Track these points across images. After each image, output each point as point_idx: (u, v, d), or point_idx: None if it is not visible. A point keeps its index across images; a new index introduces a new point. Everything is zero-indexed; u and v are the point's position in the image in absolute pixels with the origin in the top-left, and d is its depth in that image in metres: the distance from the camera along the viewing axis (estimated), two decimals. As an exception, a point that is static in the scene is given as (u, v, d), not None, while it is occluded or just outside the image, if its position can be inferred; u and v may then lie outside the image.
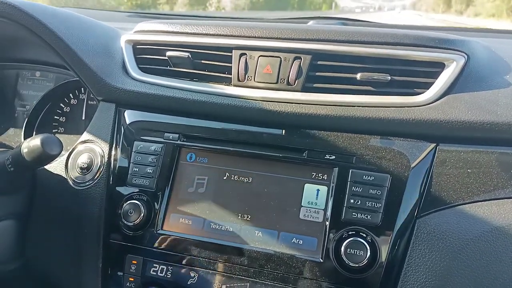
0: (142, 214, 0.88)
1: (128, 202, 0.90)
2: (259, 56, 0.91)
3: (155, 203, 0.90)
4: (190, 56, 0.94)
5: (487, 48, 0.94)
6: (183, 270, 0.87)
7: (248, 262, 0.84)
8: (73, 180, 0.97)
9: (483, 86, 0.84)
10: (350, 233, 0.80)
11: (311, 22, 1.46)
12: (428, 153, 0.82)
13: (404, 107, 0.83)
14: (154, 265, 0.89)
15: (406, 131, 0.83)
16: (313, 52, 0.88)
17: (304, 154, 0.86)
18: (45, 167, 0.99)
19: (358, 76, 0.85)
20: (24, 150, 0.82)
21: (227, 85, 0.92)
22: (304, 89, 0.88)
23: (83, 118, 1.21)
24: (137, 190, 0.92)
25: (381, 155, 0.83)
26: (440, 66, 0.85)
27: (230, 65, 0.92)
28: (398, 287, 0.78)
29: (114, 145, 0.97)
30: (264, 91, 0.89)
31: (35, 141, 0.81)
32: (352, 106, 0.85)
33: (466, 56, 0.85)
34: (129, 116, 0.98)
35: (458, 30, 1.48)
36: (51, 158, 0.84)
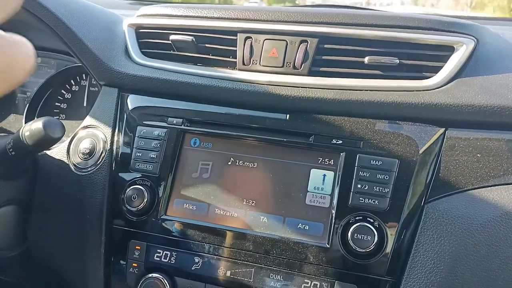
0: (146, 200, 0.87)
1: (131, 187, 0.89)
2: (264, 40, 0.89)
3: (159, 189, 0.89)
4: (194, 40, 0.93)
5: (496, 33, 0.92)
6: (187, 256, 0.86)
7: (253, 247, 0.83)
8: (75, 166, 0.96)
9: (493, 70, 0.83)
10: (357, 218, 0.79)
11: (317, 8, 1.44)
12: (437, 138, 0.80)
13: (412, 91, 0.82)
14: (158, 250, 0.87)
15: (414, 115, 0.81)
16: (319, 35, 0.86)
17: (311, 139, 0.84)
18: (47, 152, 0.98)
19: (366, 59, 0.84)
20: (26, 133, 0.81)
21: (232, 69, 0.91)
22: (311, 73, 0.86)
23: (85, 104, 1.20)
24: (140, 175, 0.91)
25: (389, 139, 0.81)
26: (449, 49, 0.83)
27: (235, 48, 0.91)
28: (406, 272, 0.77)
29: (116, 130, 0.95)
30: (270, 75, 0.88)
31: (37, 124, 0.80)
32: (360, 90, 0.83)
33: (475, 40, 0.84)
34: (132, 101, 0.96)
35: (466, 18, 1.46)
36: (53, 141, 0.82)
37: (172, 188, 0.89)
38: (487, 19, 1.48)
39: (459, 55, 0.82)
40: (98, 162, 0.94)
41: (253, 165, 0.87)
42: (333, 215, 0.80)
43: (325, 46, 0.86)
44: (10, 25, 1.13)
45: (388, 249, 0.77)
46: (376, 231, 0.77)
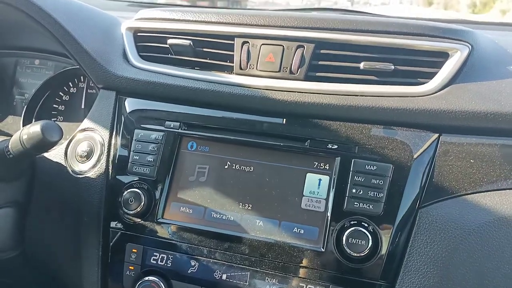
0: (143, 203, 0.88)
1: (129, 190, 0.89)
2: (261, 45, 0.90)
3: (156, 192, 0.89)
4: (191, 44, 0.93)
5: (491, 40, 0.93)
6: (183, 259, 0.87)
7: (249, 251, 0.84)
8: (73, 168, 0.96)
9: (487, 76, 0.83)
10: (352, 222, 0.80)
11: (313, 13, 1.45)
12: (431, 143, 0.81)
13: (407, 96, 0.82)
14: (155, 253, 0.88)
15: (409, 121, 0.82)
16: (316, 41, 0.87)
17: (306, 144, 0.85)
18: (45, 155, 0.99)
19: (362, 65, 0.85)
20: (24, 136, 0.81)
21: (229, 73, 0.92)
22: (307, 78, 0.87)
23: (83, 106, 1.20)
24: (138, 179, 0.91)
25: (383, 145, 0.82)
26: (444, 56, 0.84)
27: (232, 53, 0.91)
28: (400, 277, 0.78)
29: (114, 133, 0.96)
30: (266, 79, 0.88)
31: (35, 128, 0.80)
32: (355, 96, 0.84)
33: (470, 46, 0.84)
34: (130, 104, 0.97)
35: (461, 22, 1.47)
36: (51, 145, 0.83)
37: (169, 191, 0.90)
38: (483, 24, 1.49)
39: (453, 61, 0.83)
40: (96, 165, 0.94)
41: (250, 169, 0.87)
42: (328, 219, 0.81)
43: (322, 51, 0.87)
44: (9, 28, 1.13)
45: (382, 253, 0.78)
46: (371, 235, 0.78)
